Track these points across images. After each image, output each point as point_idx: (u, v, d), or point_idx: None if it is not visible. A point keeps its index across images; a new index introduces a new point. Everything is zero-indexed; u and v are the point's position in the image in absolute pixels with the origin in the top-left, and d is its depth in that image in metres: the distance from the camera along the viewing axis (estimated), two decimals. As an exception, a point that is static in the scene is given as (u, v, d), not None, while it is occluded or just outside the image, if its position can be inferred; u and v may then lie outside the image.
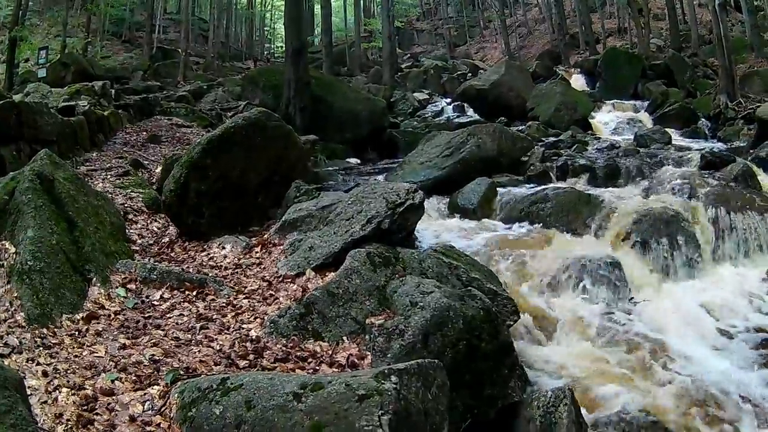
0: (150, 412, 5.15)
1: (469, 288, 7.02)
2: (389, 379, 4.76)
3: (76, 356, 5.88)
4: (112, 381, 5.49)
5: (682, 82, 31.36)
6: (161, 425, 4.98)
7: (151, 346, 6.29)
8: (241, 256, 9.36)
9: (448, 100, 33.05)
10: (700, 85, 31.05)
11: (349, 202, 9.04)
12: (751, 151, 18.93)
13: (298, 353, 6.43)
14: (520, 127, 21.71)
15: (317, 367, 6.20)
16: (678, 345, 8.99)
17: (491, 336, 6.48)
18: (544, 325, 9.18)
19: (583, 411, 7.08)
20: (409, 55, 65.79)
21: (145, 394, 5.38)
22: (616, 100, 29.57)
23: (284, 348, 6.53)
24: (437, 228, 11.65)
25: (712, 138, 23.43)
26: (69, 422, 4.79)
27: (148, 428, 4.95)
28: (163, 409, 5.13)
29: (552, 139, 19.64)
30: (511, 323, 7.44)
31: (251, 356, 6.30)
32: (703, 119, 25.56)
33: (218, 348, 6.45)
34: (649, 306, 10.05)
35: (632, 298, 10.21)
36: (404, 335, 6.27)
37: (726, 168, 15.25)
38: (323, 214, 9.41)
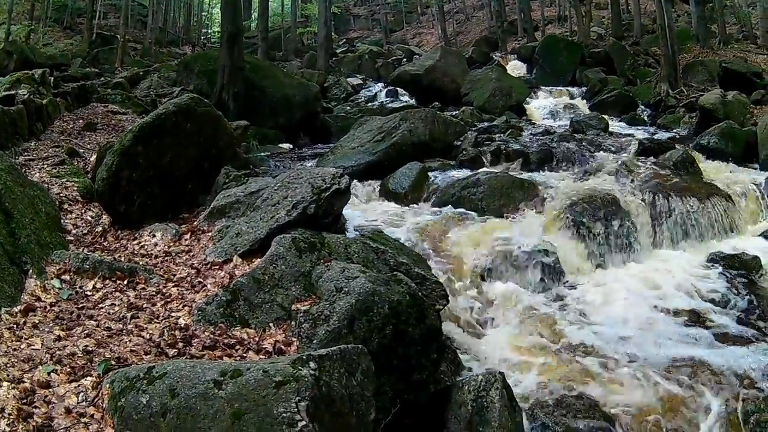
0: (84, 403, 5.11)
1: (395, 273, 6.98)
2: (307, 365, 4.72)
3: (14, 349, 5.81)
4: (49, 373, 5.44)
5: (622, 70, 31.57)
6: (95, 416, 4.96)
7: (85, 337, 6.20)
8: (171, 244, 9.25)
9: (382, 85, 32.99)
10: (641, 73, 31.23)
11: (276, 187, 8.95)
12: (693, 138, 19.26)
13: (226, 341, 6.39)
14: (454, 113, 21.53)
15: (244, 354, 6.18)
16: (612, 328, 9.12)
17: (418, 321, 6.45)
18: (476, 310, 9.20)
19: (517, 394, 7.13)
20: (344, 40, 65.79)
21: (79, 385, 5.34)
22: (553, 87, 29.71)
23: (212, 335, 6.48)
24: (368, 213, 11.59)
25: (652, 125, 23.51)
26: (11, 416, 4.76)
27: (83, 420, 4.91)
28: (96, 400, 5.10)
29: (486, 124, 19.43)
30: (440, 307, 7.41)
31: (180, 344, 6.24)
32: (642, 107, 25.79)
33: (148, 337, 6.38)
34: (583, 290, 10.16)
35: (567, 282, 10.29)
36: (329, 321, 6.21)
37: (665, 155, 15.51)
38: (251, 200, 9.31)
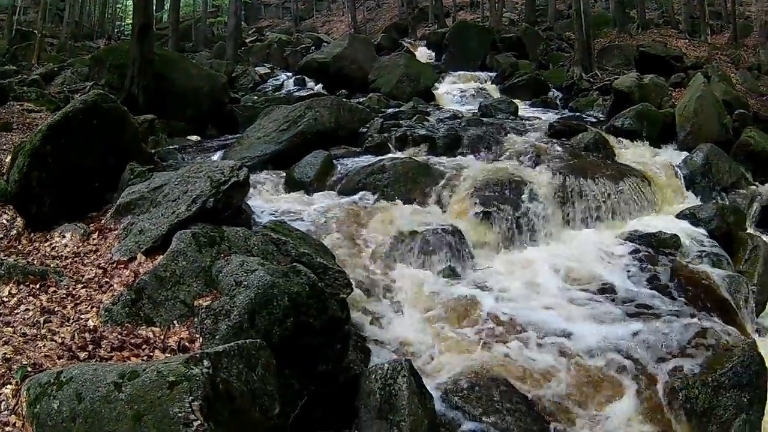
0: (6, 412, 5.05)
1: (295, 264, 6.90)
2: (200, 363, 4.75)
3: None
4: (-30, 384, 5.29)
5: (534, 55, 31.72)
6: (16, 424, 4.92)
7: (3, 345, 6.04)
8: (80, 244, 9.05)
9: (290, 74, 32.79)
10: (553, 57, 31.40)
11: (176, 182, 8.82)
12: (607, 121, 19.48)
13: (133, 341, 6.30)
14: (361, 99, 21.48)
15: (151, 354, 6.10)
16: (523, 309, 9.21)
17: (319, 311, 6.47)
18: (383, 297, 9.23)
19: (427, 380, 7.23)
20: (254, 29, 65.26)
21: (0, 394, 5.24)
22: (462, 72, 29.61)
23: (119, 336, 6.38)
24: (273, 203, 11.48)
25: (564, 109, 23.68)
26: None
27: (6, 428, 4.88)
28: (16, 408, 5.04)
29: (393, 110, 19.28)
30: (344, 296, 7.39)
31: (90, 347, 6.13)
32: (554, 91, 25.78)
33: (61, 341, 6.27)
34: (492, 272, 10.22)
35: (475, 264, 10.35)
36: (230, 315, 6.18)
37: (576, 137, 15.64)
38: (154, 195, 9.15)
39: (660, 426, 7.66)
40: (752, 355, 8.27)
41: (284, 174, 13.01)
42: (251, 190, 11.39)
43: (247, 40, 50.59)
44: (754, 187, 15.95)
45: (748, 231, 13.43)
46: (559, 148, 14.27)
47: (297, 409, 6.07)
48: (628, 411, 7.71)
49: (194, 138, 19.72)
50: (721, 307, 10.02)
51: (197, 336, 6.30)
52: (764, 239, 12.91)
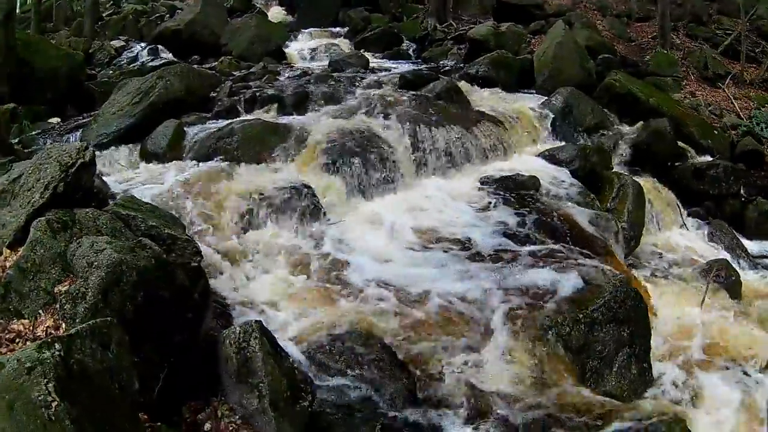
0: None
1: (140, 239, 6.87)
2: (52, 347, 4.72)
3: None
4: None
5: (387, 8, 31.40)
6: None
7: None
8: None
9: (144, 44, 32.18)
10: (408, 9, 31.05)
11: (30, 171, 8.63)
12: (461, 69, 19.53)
13: (7, 336, 6.14)
14: (213, 64, 21.24)
15: (24, 346, 5.92)
16: (378, 260, 9.30)
17: (167, 283, 6.44)
18: (241, 260, 9.19)
19: (289, 338, 7.44)
20: (112, 2, 63.73)
21: None
22: (314, 29, 29.30)
23: (-6, 334, 6.28)
24: (128, 178, 11.23)
25: (417, 59, 23.66)
26: None
27: None
28: None
29: (243, 72, 18.99)
30: (195, 264, 7.27)
31: None
32: (408, 42, 25.75)
33: None
34: (345, 225, 10.24)
35: (328, 219, 10.36)
36: (86, 297, 6.05)
37: (428, 86, 15.57)
38: (13, 187, 8.95)
39: (533, 366, 7.72)
40: (625, 290, 8.52)
41: (140, 147, 12.80)
42: (108, 167, 11.35)
43: (104, 14, 49.48)
44: (620, 128, 16.25)
45: (615, 170, 13.67)
46: (409, 98, 14.25)
47: (160, 382, 6.02)
48: (497, 354, 7.78)
49: (55, 120, 19.25)
50: (588, 245, 10.22)
51: (61, 322, 6.14)
52: (633, 177, 13.17)
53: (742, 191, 15.58)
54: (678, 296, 10.91)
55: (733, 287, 11.44)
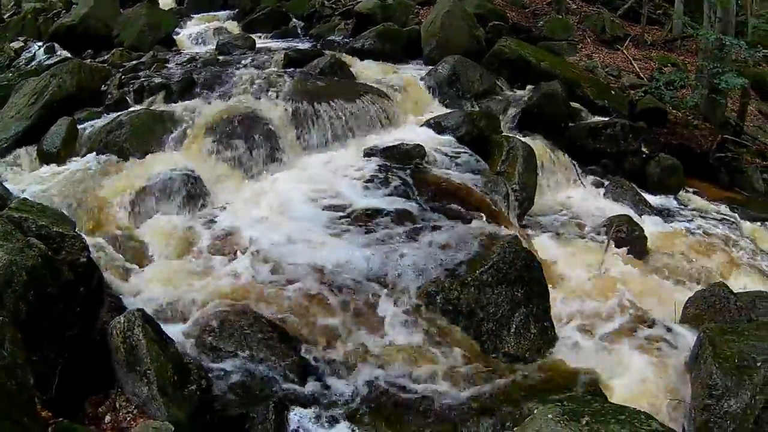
0: None
1: (28, 239, 6.95)
2: None
3: None
4: None
5: (277, -13, 31.22)
6: None
7: None
8: None
9: (41, 43, 31.59)
10: (296, -11, 31.00)
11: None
12: (348, 43, 19.61)
13: None
14: (105, 57, 21.00)
15: None
16: (266, 238, 9.16)
17: (54, 279, 6.35)
18: (130, 251, 9.11)
19: (179, 323, 7.46)
20: (13, 2, 62.17)
21: None
22: (204, 14, 28.95)
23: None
24: (26, 180, 10.99)
25: (305, 37, 23.38)
26: None
27: None
28: None
29: (134, 62, 18.03)
30: (84, 259, 7.24)
31: None
32: (296, 20, 25.16)
33: None
34: (233, 207, 10.20)
35: (215, 202, 10.30)
36: (-18, 299, 6.13)
37: (312, 63, 15.55)
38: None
39: (426, 333, 7.77)
40: (515, 251, 8.45)
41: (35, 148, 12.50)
42: (10, 171, 11.29)
43: (5, 16, 48.45)
44: (511, 92, 16.28)
45: (505, 134, 13.56)
46: (293, 76, 14.05)
47: (57, 377, 5.98)
48: (386, 325, 7.84)
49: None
50: (477, 209, 10.14)
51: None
52: (523, 140, 13.15)
53: (642, 148, 15.77)
54: (579, 254, 11.03)
55: (636, 241, 11.60)
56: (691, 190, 15.69)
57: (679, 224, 13.45)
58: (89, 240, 8.01)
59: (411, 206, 10.00)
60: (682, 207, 14.82)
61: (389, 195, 10.32)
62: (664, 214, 14.08)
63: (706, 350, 7.30)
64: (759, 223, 14.11)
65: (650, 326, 8.75)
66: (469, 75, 15.80)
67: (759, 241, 13.27)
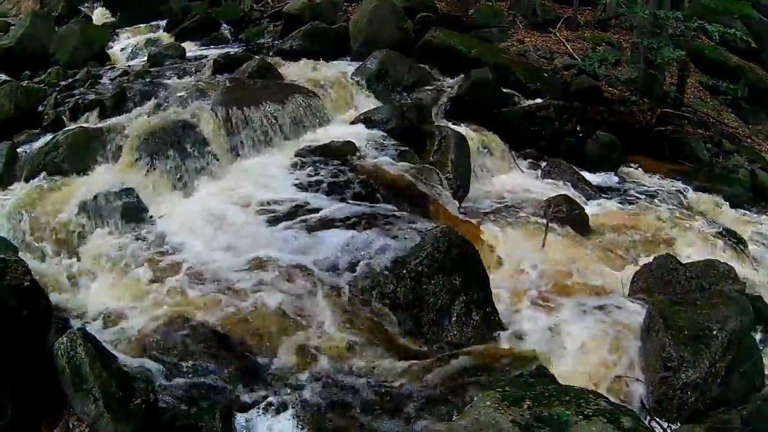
0: None
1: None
2: None
3: None
4: None
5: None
6: None
7: None
8: None
9: (-20, 69, 31.21)
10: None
11: None
12: (277, 45, 19.81)
13: None
14: (43, 77, 20.90)
15: None
16: (204, 249, 9.27)
17: None
18: (73, 272, 9.11)
19: (122, 340, 7.40)
20: (-44, 28, 61.04)
21: None
22: (137, 26, 28.71)
23: None
24: None
25: (235, 42, 23.21)
26: None
27: None
28: None
29: (69, 80, 17.81)
30: (27, 284, 7.15)
31: None
32: (225, 26, 24.93)
33: None
34: (171, 219, 10.14)
35: (152, 216, 10.22)
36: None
37: (241, 67, 15.53)
38: None
39: (365, 328, 7.79)
40: (448, 239, 8.37)
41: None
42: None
43: (-57, 43, 47.64)
44: (443, 82, 16.33)
45: (436, 124, 13.62)
46: (222, 82, 14.18)
47: (10, 402, 6.04)
48: (326, 324, 7.83)
49: None
50: (410, 200, 10.31)
51: None
52: (454, 128, 13.18)
53: (578, 128, 15.77)
54: (519, 237, 10.94)
55: (577, 220, 11.64)
56: (633, 165, 15.80)
57: (620, 199, 13.59)
58: (33, 264, 8.08)
59: (344, 204, 10.09)
60: (623, 182, 14.94)
61: (322, 194, 10.41)
62: (606, 191, 14.21)
63: (657, 323, 7.49)
64: (705, 193, 14.30)
65: (598, 303, 8.70)
66: (398, 68, 15.91)
67: (705, 211, 13.47)
